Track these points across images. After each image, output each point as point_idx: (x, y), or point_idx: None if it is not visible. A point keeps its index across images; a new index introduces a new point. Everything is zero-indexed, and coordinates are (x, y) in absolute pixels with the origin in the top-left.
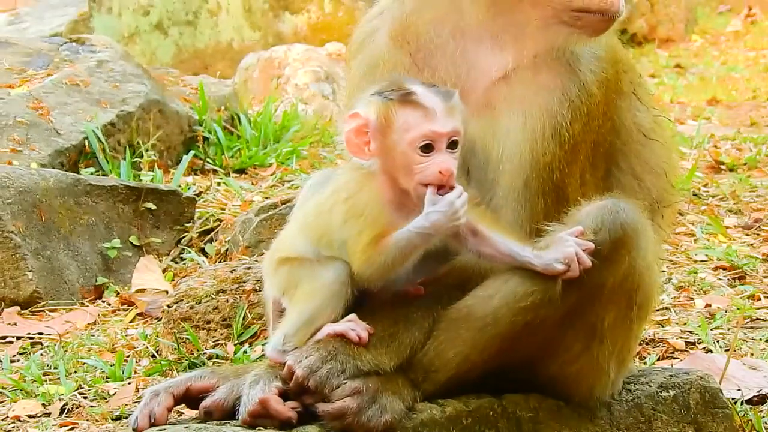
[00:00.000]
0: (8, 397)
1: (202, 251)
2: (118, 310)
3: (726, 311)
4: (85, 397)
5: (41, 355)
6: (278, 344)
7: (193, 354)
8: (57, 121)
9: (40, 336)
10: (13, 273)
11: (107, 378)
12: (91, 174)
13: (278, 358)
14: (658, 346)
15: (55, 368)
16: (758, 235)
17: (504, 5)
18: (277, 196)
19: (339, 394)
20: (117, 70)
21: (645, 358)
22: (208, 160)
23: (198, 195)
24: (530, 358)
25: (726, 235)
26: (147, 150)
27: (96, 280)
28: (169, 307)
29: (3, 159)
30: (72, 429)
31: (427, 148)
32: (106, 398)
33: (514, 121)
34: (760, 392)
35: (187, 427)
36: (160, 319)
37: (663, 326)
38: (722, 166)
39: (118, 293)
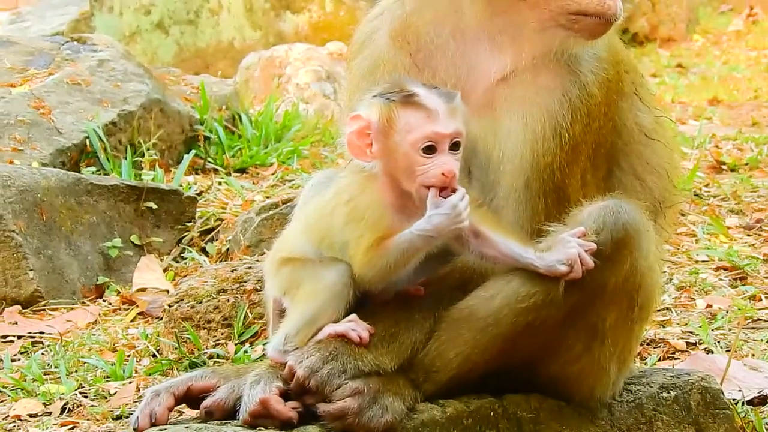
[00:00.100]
0: (9, 396)
1: (203, 251)
2: (119, 309)
3: (727, 312)
4: (86, 397)
5: (42, 354)
6: (279, 344)
7: (193, 353)
8: (58, 121)
9: (41, 335)
10: (14, 272)
11: (108, 377)
12: (93, 173)
13: (279, 358)
14: (659, 347)
15: (56, 367)
16: (759, 235)
17: (502, 7)
18: (278, 196)
19: (340, 394)
20: (118, 70)
21: (646, 358)
22: (209, 159)
23: (199, 194)
24: (531, 358)
25: (727, 235)
26: (148, 149)
27: (97, 280)
28: (169, 306)
29: (4, 158)
30: (73, 428)
31: (430, 150)
32: (106, 398)
33: (514, 121)
34: (761, 393)
35: (187, 427)
36: (161, 319)
37: (664, 327)
38: (724, 167)
39: (119, 292)
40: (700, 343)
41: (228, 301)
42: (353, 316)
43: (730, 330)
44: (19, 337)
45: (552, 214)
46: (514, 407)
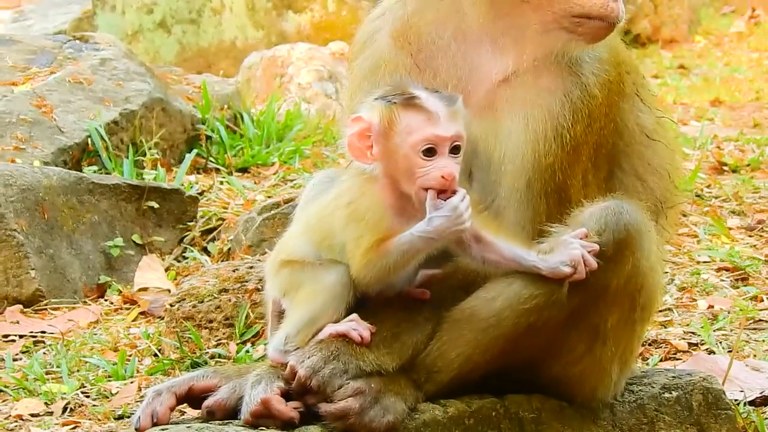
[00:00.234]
0: (11, 395)
1: (205, 250)
2: (121, 308)
3: (729, 312)
4: (88, 396)
5: (44, 353)
6: (280, 345)
7: (195, 353)
8: (60, 119)
9: (43, 334)
10: (15, 271)
11: (110, 377)
12: (94, 172)
13: (280, 359)
14: (661, 348)
15: (57, 367)
16: (761, 236)
17: (504, 8)
18: (280, 195)
19: (341, 394)
20: (120, 69)
21: (648, 359)
22: (211, 158)
23: (201, 194)
24: (533, 359)
25: (729, 236)
26: (150, 148)
27: (99, 279)
28: (171, 306)
29: (6, 157)
30: (74, 428)
31: (430, 152)
32: (108, 397)
33: (515, 122)
34: (763, 393)
35: (189, 427)
36: (163, 318)
37: (666, 327)
38: (725, 168)
39: (121, 292)
40: (702, 344)
41: (229, 300)
42: (354, 315)
43: (731, 331)
44: (21, 337)
45: (553, 215)
46: (516, 407)
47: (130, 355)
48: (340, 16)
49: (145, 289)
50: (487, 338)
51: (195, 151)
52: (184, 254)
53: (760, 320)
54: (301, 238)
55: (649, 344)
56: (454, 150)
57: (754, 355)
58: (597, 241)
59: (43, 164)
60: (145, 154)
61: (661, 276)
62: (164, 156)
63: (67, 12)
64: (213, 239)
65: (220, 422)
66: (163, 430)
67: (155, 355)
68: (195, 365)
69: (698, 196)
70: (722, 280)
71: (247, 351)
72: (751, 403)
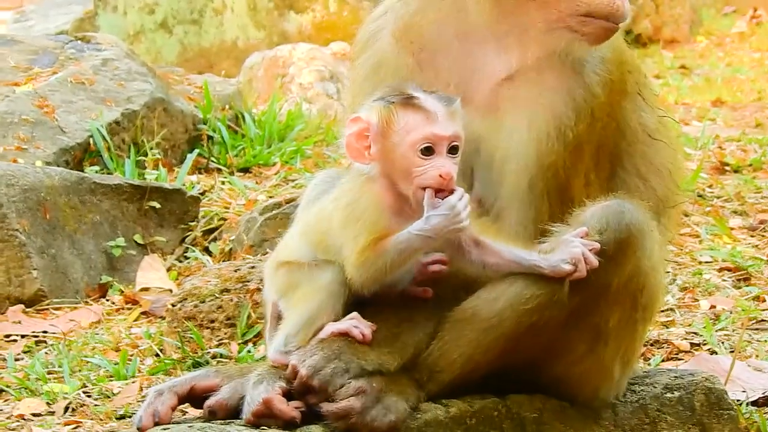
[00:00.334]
0: (12, 395)
1: (206, 250)
2: (123, 308)
3: (731, 313)
4: (89, 396)
5: (45, 353)
6: (281, 345)
7: (197, 353)
8: (62, 120)
9: (45, 334)
10: (17, 271)
11: (111, 377)
12: (96, 172)
13: (281, 360)
14: (663, 348)
15: (59, 367)
16: (763, 236)
17: (509, 7)
18: (282, 196)
19: (343, 393)
20: (122, 69)
21: (650, 359)
22: (213, 158)
23: (202, 194)
24: (535, 359)
25: (731, 236)
26: (151, 148)
27: (100, 279)
28: (173, 306)
29: (8, 157)
30: (76, 428)
31: (428, 151)
32: (110, 397)
33: (518, 121)
34: (765, 394)
35: (191, 427)
36: (164, 318)
37: (668, 327)
38: (727, 168)
39: (123, 292)
40: (704, 344)
41: (231, 300)
42: (354, 314)
43: (733, 331)
44: (23, 337)
45: (556, 215)
46: (518, 407)
47: (132, 355)
48: (342, 17)
49: (146, 289)
50: (488, 338)
51: (196, 151)
52: (185, 254)
53: (762, 320)
54: (298, 239)
55: (651, 344)
56: (452, 150)
57: (757, 356)
58: (598, 240)
59: (45, 164)
60: (146, 154)
61: (663, 276)
62: (166, 156)
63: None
64: (214, 239)
65: (222, 422)
66: (164, 429)
67: (157, 355)
68: (196, 365)
69: (700, 196)
70: (724, 281)
71: (249, 351)
72: (754, 403)
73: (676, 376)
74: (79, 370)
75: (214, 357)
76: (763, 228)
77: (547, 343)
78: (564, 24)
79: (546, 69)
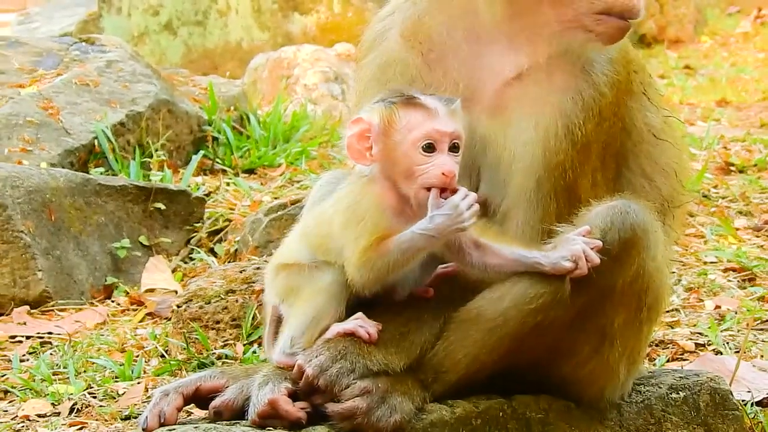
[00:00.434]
0: (18, 396)
1: (212, 251)
2: (128, 309)
3: (736, 313)
4: (95, 397)
5: (51, 354)
6: (286, 347)
7: (202, 354)
8: (67, 121)
9: (50, 335)
10: (22, 272)
11: (116, 378)
12: (101, 174)
13: (286, 361)
14: (668, 348)
15: (64, 368)
16: None
17: (522, 7)
18: (287, 197)
19: (348, 394)
20: (127, 70)
21: (655, 359)
22: (218, 160)
23: (207, 195)
24: (540, 359)
25: (736, 236)
26: (156, 150)
27: (105, 280)
28: (178, 307)
29: (13, 158)
30: (81, 429)
31: (430, 148)
32: (115, 398)
33: (526, 120)
34: None
35: (196, 427)
36: (170, 319)
37: (673, 328)
38: (732, 168)
39: (128, 293)
40: (709, 344)
41: (236, 301)
42: (360, 314)
43: (738, 331)
44: (28, 338)
45: (563, 215)
46: (523, 408)
47: (137, 356)
48: (346, 18)
49: (152, 290)
50: (494, 338)
51: (201, 152)
52: (190, 255)
53: (767, 321)
54: (298, 242)
55: (656, 345)
56: (454, 148)
57: (762, 356)
58: (602, 239)
59: (50, 166)
60: (151, 156)
61: (668, 277)
62: (171, 157)
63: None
64: (220, 240)
65: (228, 423)
66: (170, 430)
67: (162, 355)
68: (202, 366)
69: (705, 196)
70: (729, 281)
71: (254, 352)
72: (759, 403)
73: (681, 377)
74: (85, 371)
75: (219, 358)
76: None
77: (553, 344)
78: (578, 23)
79: (555, 69)
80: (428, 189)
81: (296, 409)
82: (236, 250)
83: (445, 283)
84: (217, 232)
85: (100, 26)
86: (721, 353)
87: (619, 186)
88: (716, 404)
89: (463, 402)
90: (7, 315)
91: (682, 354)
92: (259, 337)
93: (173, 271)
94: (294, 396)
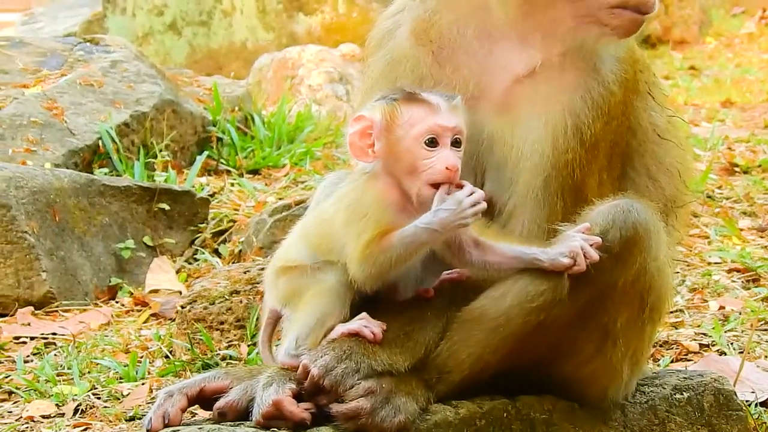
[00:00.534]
0: (22, 397)
1: (216, 252)
2: (132, 310)
3: (740, 313)
4: (99, 398)
5: (55, 355)
6: (291, 348)
7: (206, 355)
8: (71, 122)
9: (54, 336)
10: (27, 273)
11: (121, 378)
12: (105, 174)
13: (291, 362)
14: (672, 348)
15: (68, 369)
16: None
17: (537, 4)
18: (291, 197)
19: (353, 394)
20: (131, 71)
21: (659, 360)
22: (222, 160)
23: (212, 196)
24: (543, 358)
25: (740, 237)
26: (161, 150)
27: (110, 281)
28: (182, 307)
29: (17, 159)
30: (85, 429)
31: (432, 143)
32: (119, 399)
33: (536, 119)
34: None
35: (201, 428)
36: (174, 320)
37: (677, 328)
38: (736, 169)
39: (132, 294)
40: (713, 345)
41: (241, 302)
42: (364, 314)
43: (743, 332)
44: (32, 339)
45: (569, 214)
46: (527, 408)
47: (142, 357)
48: (351, 18)
49: (156, 291)
50: (497, 338)
51: (206, 152)
52: (195, 256)
53: None
54: (298, 244)
55: (660, 345)
56: (455, 143)
57: (766, 356)
58: (603, 237)
59: (54, 166)
60: (156, 156)
61: (671, 277)
62: (175, 158)
63: (77, 14)
64: (224, 241)
65: (232, 424)
66: (174, 431)
67: (166, 356)
68: (206, 367)
69: (709, 197)
70: (733, 281)
71: (258, 353)
72: (763, 404)
73: (685, 377)
74: (89, 372)
75: (223, 359)
76: None
77: (555, 343)
78: (593, 18)
79: (565, 66)
80: (432, 185)
81: (300, 410)
82: (240, 250)
83: (448, 282)
84: (222, 232)
85: (104, 26)
86: (725, 354)
87: (624, 186)
88: (720, 405)
89: (467, 402)
90: (11, 316)
91: (686, 354)
92: None
93: (177, 271)
94: (298, 397)
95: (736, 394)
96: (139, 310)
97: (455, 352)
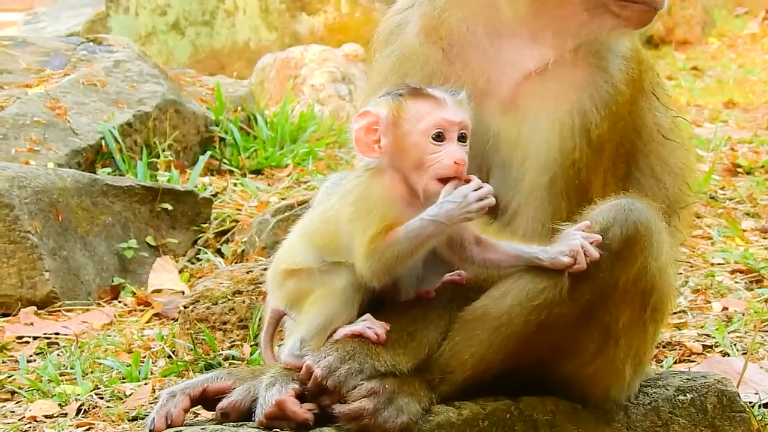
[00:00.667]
0: (25, 397)
1: (219, 252)
2: (135, 310)
3: (743, 314)
4: (102, 398)
5: (58, 355)
6: (295, 348)
7: (209, 355)
8: (74, 121)
9: (57, 336)
10: (29, 273)
11: (123, 378)
12: (108, 174)
13: (295, 363)
14: (675, 350)
15: (71, 368)
16: None
17: (548, 1)
18: (294, 197)
19: (356, 395)
20: (134, 70)
21: (662, 361)
22: (225, 160)
23: (214, 195)
24: (545, 358)
25: (743, 238)
26: (163, 150)
27: (112, 281)
28: (185, 307)
29: (20, 159)
30: (88, 429)
31: (439, 137)
32: (122, 399)
33: (543, 117)
34: None
35: (203, 429)
36: (177, 320)
37: (680, 329)
38: (739, 169)
39: (135, 294)
40: (716, 346)
41: (243, 302)
42: (367, 315)
43: (746, 333)
44: (35, 338)
45: (574, 213)
46: (530, 409)
47: (144, 357)
48: (354, 18)
49: (158, 291)
50: (499, 337)
51: (209, 152)
52: (197, 256)
53: None
54: (301, 245)
55: (664, 346)
56: (461, 138)
57: None
58: (604, 235)
59: (57, 166)
60: (158, 156)
61: (673, 278)
62: (178, 158)
63: (79, 14)
64: (227, 241)
65: (235, 424)
66: (177, 431)
67: (169, 356)
68: (209, 367)
69: (712, 198)
70: (736, 282)
71: (261, 353)
72: (766, 405)
73: (688, 378)
74: (92, 372)
75: (226, 359)
76: None
77: (557, 342)
78: (605, 9)
79: (575, 65)
80: (440, 180)
81: (303, 411)
82: (243, 250)
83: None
84: (224, 232)
85: (107, 26)
86: (729, 355)
87: (628, 186)
88: (723, 406)
89: (470, 403)
90: (14, 315)
91: (690, 356)
92: None
93: (180, 271)
94: (301, 397)
95: (739, 396)
96: (141, 310)
97: (458, 352)
